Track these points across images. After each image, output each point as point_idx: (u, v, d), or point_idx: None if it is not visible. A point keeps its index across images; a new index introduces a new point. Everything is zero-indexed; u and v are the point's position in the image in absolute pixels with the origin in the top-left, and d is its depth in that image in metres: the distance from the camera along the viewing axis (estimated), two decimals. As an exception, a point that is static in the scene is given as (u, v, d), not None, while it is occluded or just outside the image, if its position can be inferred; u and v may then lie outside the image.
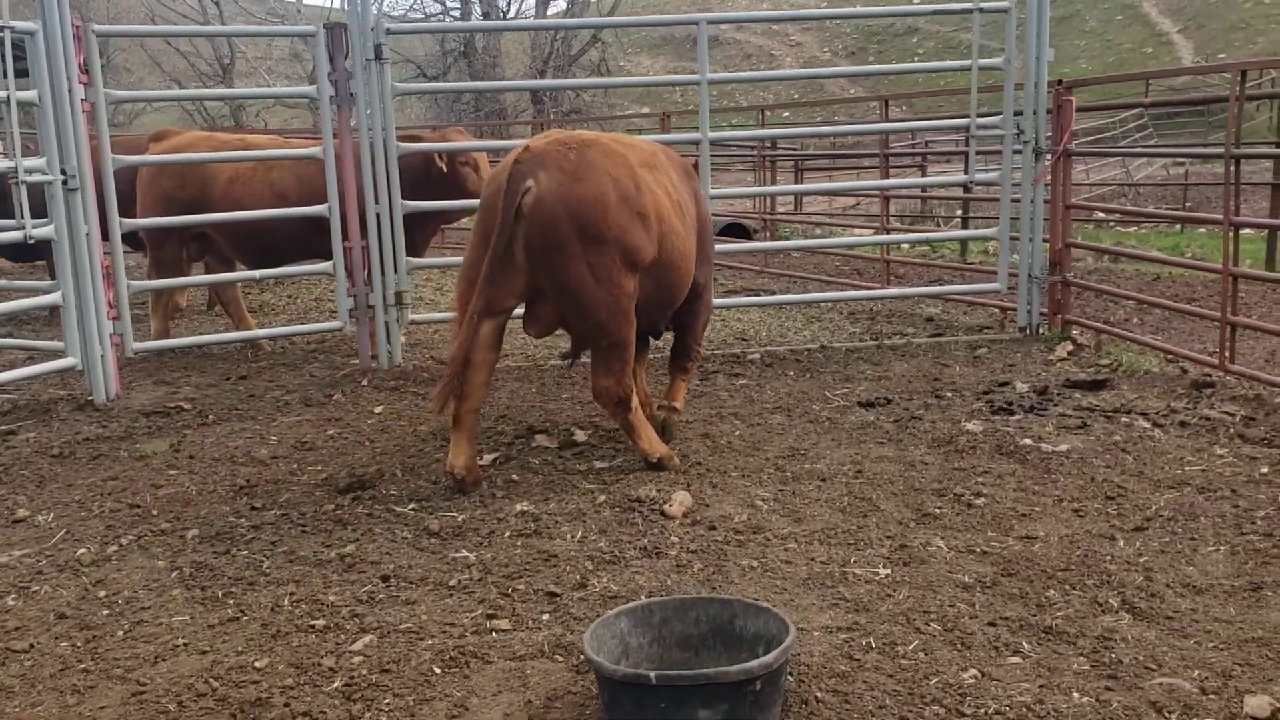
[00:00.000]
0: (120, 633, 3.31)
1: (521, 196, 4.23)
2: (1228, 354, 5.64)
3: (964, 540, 3.76)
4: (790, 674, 2.83)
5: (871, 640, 3.06)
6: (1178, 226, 14.86)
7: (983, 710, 2.68)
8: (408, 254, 6.75)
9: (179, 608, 3.47)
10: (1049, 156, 6.95)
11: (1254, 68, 6.67)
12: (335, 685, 2.94)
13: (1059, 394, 5.61)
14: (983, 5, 6.91)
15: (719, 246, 6.34)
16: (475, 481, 4.45)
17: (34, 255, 9.35)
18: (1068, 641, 3.03)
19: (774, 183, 14.39)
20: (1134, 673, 2.84)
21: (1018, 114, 7.00)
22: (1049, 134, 6.95)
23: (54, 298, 5.94)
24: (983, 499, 4.14)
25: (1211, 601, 3.25)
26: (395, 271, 6.69)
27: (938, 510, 4.05)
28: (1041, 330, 7.11)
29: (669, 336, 5.33)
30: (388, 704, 2.84)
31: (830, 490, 4.30)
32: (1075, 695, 2.74)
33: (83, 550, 3.95)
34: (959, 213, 14.06)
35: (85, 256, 5.89)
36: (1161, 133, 27.16)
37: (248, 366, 7.00)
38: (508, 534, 3.95)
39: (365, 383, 6.38)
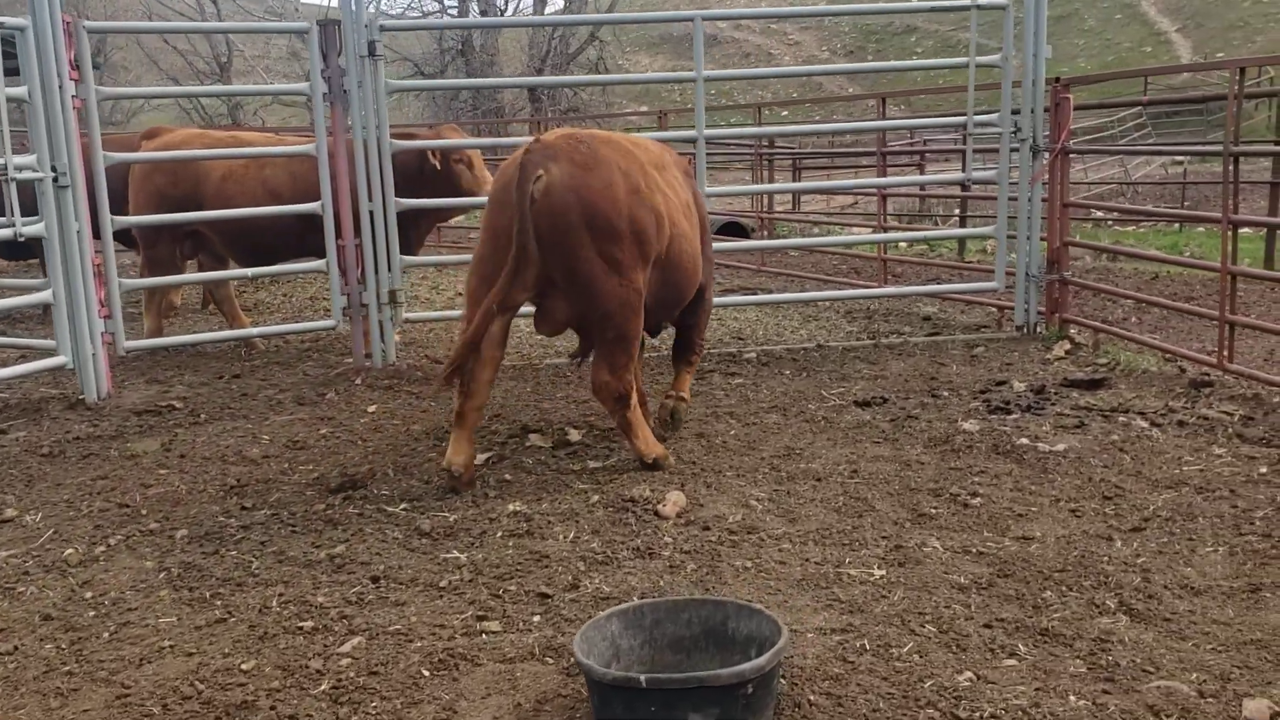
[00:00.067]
0: (106, 634, 3.27)
1: (533, 185, 4.21)
2: (1226, 353, 5.61)
3: (960, 541, 3.73)
4: (783, 676, 2.79)
5: (866, 642, 3.02)
6: (1176, 226, 14.82)
7: (978, 713, 2.65)
8: (402, 252, 6.71)
9: (166, 609, 3.43)
10: (1047, 154, 6.92)
11: (1253, 64, 6.65)
12: (322, 688, 2.90)
13: (1056, 393, 5.57)
14: (980, 2, 6.87)
15: (716, 245, 6.30)
16: (470, 481, 4.42)
17: (28, 253, 9.30)
18: (1064, 643, 2.99)
19: (772, 182, 14.36)
20: (1131, 675, 2.81)
21: (1015, 112, 6.96)
22: (1047, 132, 6.91)
23: (44, 296, 5.90)
24: (979, 499, 4.10)
25: (1210, 603, 3.22)
26: (389, 270, 6.64)
27: (933, 510, 4.01)
28: (1039, 329, 7.07)
29: (664, 336, 5.31)
30: (375, 707, 2.80)
31: (825, 490, 4.27)
32: (1072, 698, 2.70)
33: (70, 550, 3.91)
34: (957, 211, 14.02)
35: (76, 254, 5.85)
36: (1160, 132, 27.13)
37: (241, 365, 6.95)
38: (500, 534, 3.91)
39: (359, 381, 6.34)
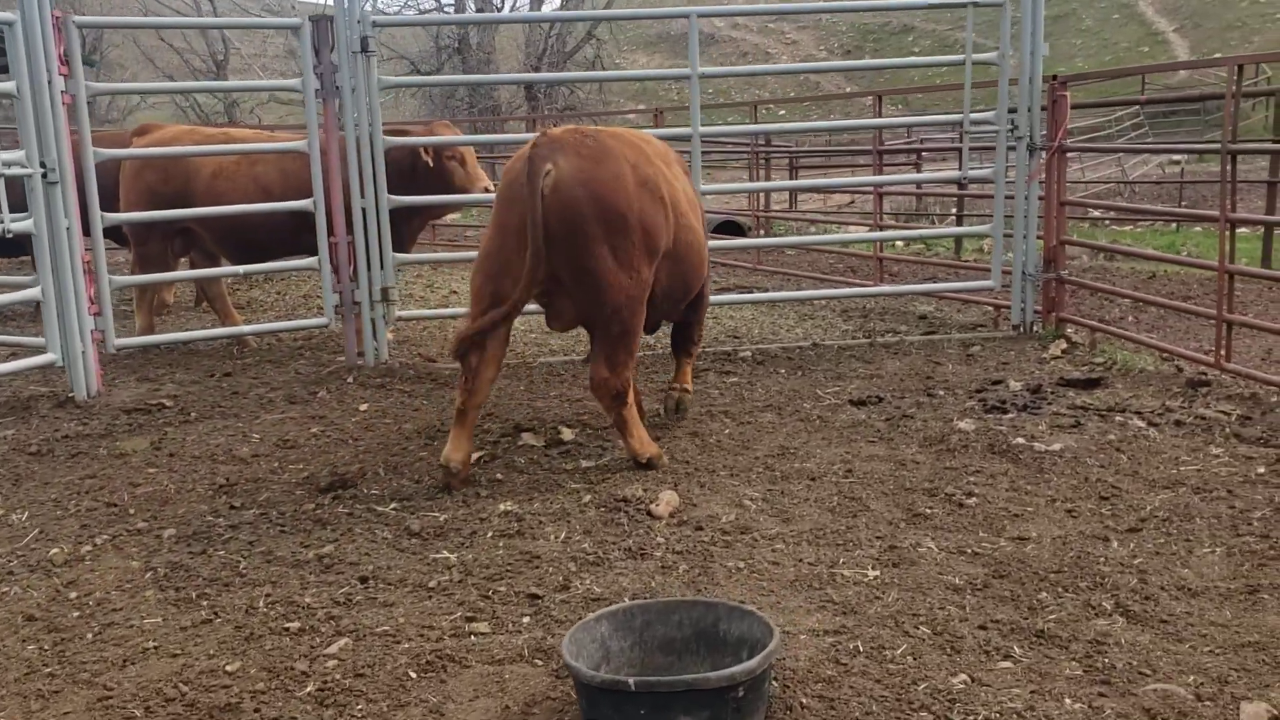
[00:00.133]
0: (90, 635, 3.23)
1: (542, 179, 4.18)
2: (1224, 352, 5.58)
3: (955, 541, 3.69)
4: (775, 679, 2.76)
5: (859, 644, 2.99)
6: (1173, 225, 14.81)
7: (972, 717, 2.61)
8: (395, 249, 6.66)
9: (151, 609, 3.39)
10: (1043, 153, 6.88)
11: (1251, 61, 6.60)
12: (308, 690, 2.86)
13: (1053, 392, 5.54)
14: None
15: (712, 244, 6.27)
16: (465, 479, 4.38)
17: (19, 250, 9.24)
18: (1060, 646, 2.95)
19: (768, 180, 14.31)
20: (1128, 678, 2.77)
21: (1012, 110, 6.93)
22: (1044, 130, 6.88)
23: (33, 292, 5.85)
24: (974, 499, 4.07)
25: (1207, 605, 3.18)
26: (381, 267, 6.59)
27: (928, 510, 3.97)
28: (1035, 328, 7.04)
29: (658, 335, 5.28)
30: (361, 709, 2.76)
31: (820, 490, 4.23)
32: (1067, 701, 2.67)
33: (56, 550, 3.86)
34: (953, 210, 13.99)
35: (65, 251, 5.80)
36: (1157, 131, 27.13)
37: (233, 363, 6.90)
38: (490, 534, 3.87)
39: (350, 380, 6.29)
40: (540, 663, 2.96)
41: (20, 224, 5.65)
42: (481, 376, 4.42)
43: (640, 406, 5.07)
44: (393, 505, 4.22)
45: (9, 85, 5.58)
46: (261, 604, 3.38)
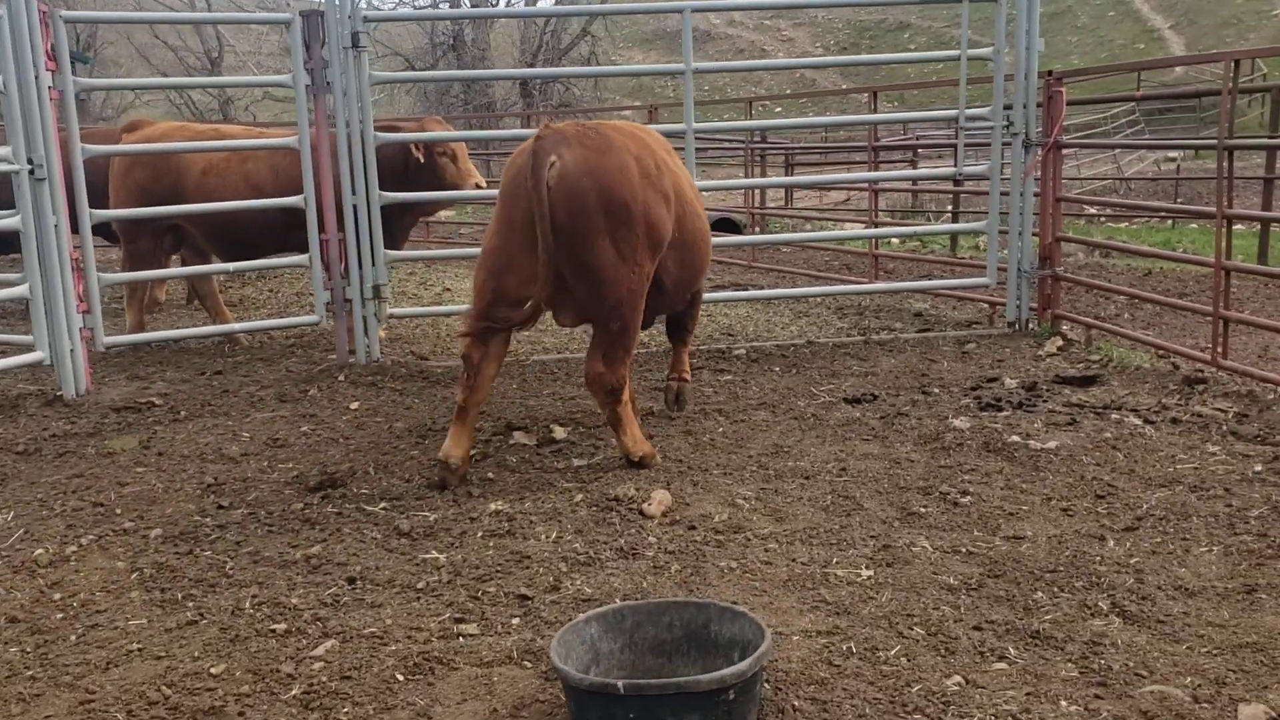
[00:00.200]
0: (73, 637, 3.18)
1: (547, 172, 4.14)
2: (1220, 350, 5.54)
3: (949, 540, 3.65)
4: (766, 681, 2.72)
5: (852, 645, 2.95)
6: (1169, 222, 14.78)
7: (967, 719, 2.57)
8: (386, 246, 6.61)
9: (136, 611, 3.34)
10: (1039, 149, 6.85)
11: (1247, 56, 6.57)
12: (293, 693, 2.82)
13: (1048, 390, 5.50)
14: (972, -5, 6.81)
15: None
16: (463, 476, 4.35)
17: (9, 248, 9.18)
18: (1055, 646, 2.92)
19: (764, 177, 14.27)
20: (1124, 680, 2.73)
21: (1007, 106, 6.89)
22: (1039, 126, 6.84)
23: (21, 290, 5.80)
24: (969, 497, 4.03)
25: (1204, 604, 3.14)
26: (373, 264, 6.54)
27: (923, 509, 3.94)
28: (1031, 325, 7.01)
29: (650, 333, 5.25)
30: (347, 712, 2.72)
31: (813, 489, 4.19)
32: (1063, 704, 2.63)
33: (40, 550, 3.81)
34: (949, 207, 13.96)
35: (53, 248, 5.74)
36: (1152, 129, 27.13)
37: (224, 361, 6.85)
38: (480, 534, 3.83)
39: (342, 378, 6.24)
40: (529, 665, 2.91)
41: (7, 221, 5.60)
42: (483, 373, 4.39)
43: (634, 405, 5.04)
44: (382, 505, 4.17)
45: (-5, 81, 5.53)
46: (248, 605, 3.33)
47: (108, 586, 3.53)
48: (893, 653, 2.90)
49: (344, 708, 2.74)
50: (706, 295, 6.62)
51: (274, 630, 3.16)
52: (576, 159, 4.20)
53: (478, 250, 11.10)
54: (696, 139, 6.89)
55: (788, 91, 39.86)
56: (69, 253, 5.87)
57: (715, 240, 8.49)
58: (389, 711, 2.72)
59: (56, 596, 3.46)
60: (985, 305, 7.70)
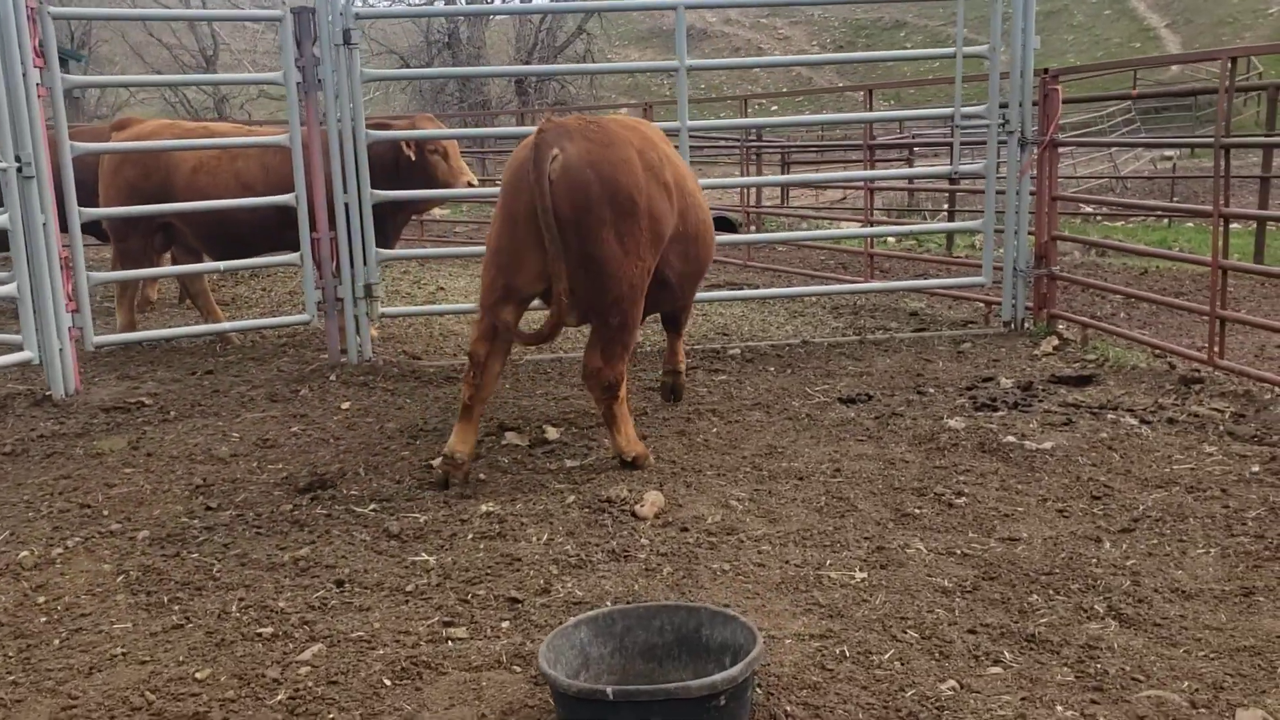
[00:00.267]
0: (56, 641, 3.14)
1: (550, 165, 4.11)
2: (1217, 349, 5.51)
3: (944, 542, 3.62)
4: (758, 686, 2.68)
5: (845, 649, 2.91)
6: (1165, 220, 14.76)
7: (961, 725, 2.54)
8: (378, 245, 6.57)
9: (121, 614, 3.30)
10: (1035, 147, 6.81)
11: (1244, 54, 6.53)
12: (279, 698, 2.78)
13: (1044, 390, 5.47)
14: (968, -8, 6.76)
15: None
16: (467, 473, 4.32)
17: (1, 247, 9.13)
18: (1051, 650, 2.88)
19: (760, 175, 14.23)
20: (1120, 684, 2.70)
21: (1003, 105, 6.86)
22: (1035, 125, 6.81)
23: (9, 289, 5.75)
24: (964, 499, 3.99)
25: (1201, 607, 3.11)
26: (365, 263, 6.50)
27: (917, 510, 3.90)
28: (1027, 325, 6.97)
29: (644, 332, 5.22)
30: (333, 718, 2.68)
31: (807, 490, 4.15)
32: (1059, 709, 2.60)
33: (25, 553, 3.77)
34: (945, 206, 13.93)
35: (41, 247, 5.69)
36: (1148, 128, 27.11)
37: (215, 361, 6.81)
38: (470, 536, 3.79)
39: (333, 378, 6.20)
40: (519, 669, 2.88)
41: (-5, 218, 5.56)
42: (489, 370, 4.37)
43: (629, 405, 5.00)
44: (372, 506, 4.13)
45: (-17, 77, 5.48)
46: (234, 609, 3.29)
47: (93, 589, 3.49)
48: (886, 657, 2.87)
49: (330, 713, 2.70)
50: (702, 294, 6.59)
51: (260, 634, 3.12)
52: (579, 151, 4.17)
53: (472, 249, 11.05)
54: (691, 137, 6.85)
55: (784, 89, 39.83)
56: (58, 251, 5.82)
57: (710, 239, 8.48)
58: (375, 717, 2.68)
59: (41, 600, 3.42)
60: (981, 304, 7.67)
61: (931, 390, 5.54)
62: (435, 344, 7.34)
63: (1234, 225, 10.24)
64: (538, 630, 3.06)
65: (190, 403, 5.78)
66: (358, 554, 3.68)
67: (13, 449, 5.04)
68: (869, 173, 9.81)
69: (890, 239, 11.89)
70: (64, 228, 5.97)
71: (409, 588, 3.39)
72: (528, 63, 27.29)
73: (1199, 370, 5.64)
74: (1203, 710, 2.58)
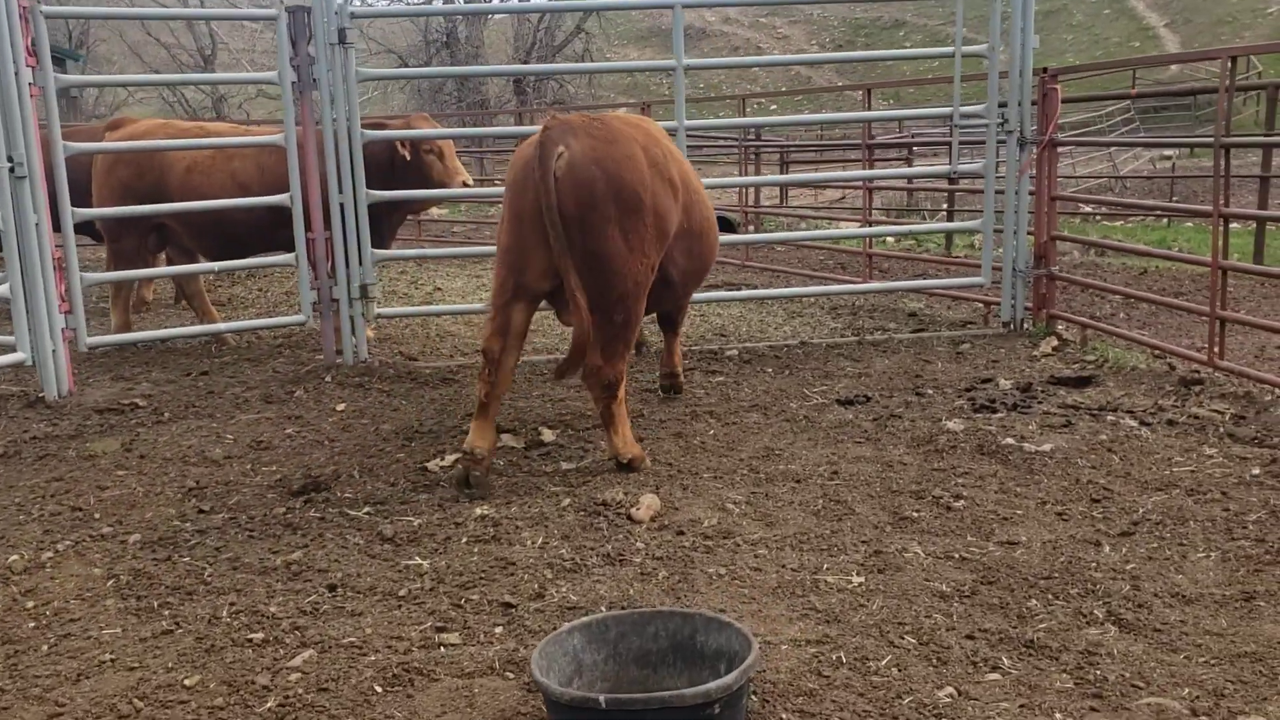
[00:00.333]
0: (45, 647, 3.10)
1: (555, 162, 4.09)
2: (1217, 350, 5.48)
3: (942, 545, 3.58)
4: (754, 693, 2.65)
5: (842, 655, 2.88)
6: (1165, 220, 14.73)
7: (959, 733, 2.51)
8: (374, 245, 6.53)
9: (111, 619, 3.27)
10: (1034, 147, 6.78)
11: (1244, 54, 6.51)
12: (268, 705, 2.74)
13: (1043, 391, 5.43)
14: (967, -9, 6.73)
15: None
16: (488, 469, 4.31)
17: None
18: (1050, 656, 2.85)
19: (758, 175, 14.19)
20: (1120, 691, 2.67)
21: (1002, 104, 6.83)
22: (1034, 124, 6.78)
23: (1, 290, 5.71)
24: (962, 501, 3.96)
25: (1202, 612, 3.07)
26: (360, 264, 6.46)
27: (915, 513, 3.87)
28: (1026, 325, 6.94)
29: (644, 335, 5.19)
30: (323, 726, 2.65)
31: (805, 492, 4.12)
32: (1058, 716, 2.57)
33: (15, 557, 3.73)
34: (945, 206, 13.89)
35: (34, 247, 5.66)
36: (1147, 127, 27.08)
37: (210, 362, 6.77)
38: (464, 540, 3.75)
39: (329, 379, 6.16)
40: (511, 676, 2.84)
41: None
42: (504, 366, 4.36)
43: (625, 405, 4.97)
44: (366, 509, 4.10)
45: (-25, 77, 5.44)
46: (225, 614, 3.26)
47: (83, 594, 3.45)
48: (883, 663, 2.83)
49: (320, 721, 2.66)
50: (699, 295, 6.55)
51: (251, 640, 3.08)
52: (585, 149, 4.16)
53: (470, 249, 11.01)
54: (690, 137, 6.81)
55: (783, 89, 39.78)
56: (50, 252, 5.78)
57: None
58: (366, 725, 2.65)
59: (29, 605, 3.38)
60: (980, 305, 7.64)
61: (930, 392, 5.50)
62: (432, 345, 7.31)
63: (1233, 225, 10.21)
64: (531, 636, 3.03)
65: (184, 404, 5.75)
66: (351, 558, 3.64)
67: (4, 451, 5.01)
68: (868, 172, 9.77)
69: (889, 239, 11.86)
70: (57, 228, 5.94)
71: (402, 592, 3.35)
72: (526, 62, 27.25)
73: (1199, 371, 5.61)
74: (1203, 718, 2.54)
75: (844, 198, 18.60)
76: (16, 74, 5.52)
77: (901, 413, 5.12)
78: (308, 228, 6.37)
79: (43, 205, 5.70)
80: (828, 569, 3.43)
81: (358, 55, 6.51)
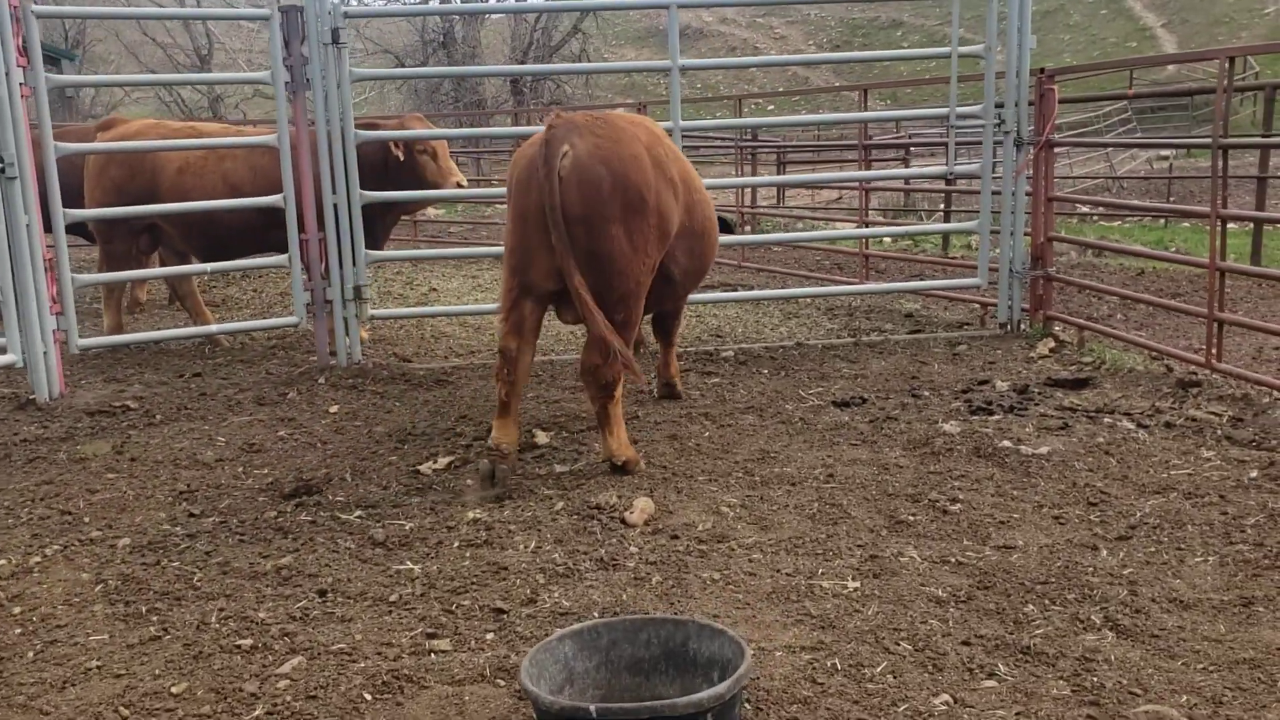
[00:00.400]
0: (30, 654, 3.07)
1: (560, 161, 4.08)
2: (1215, 352, 5.45)
3: (938, 550, 3.55)
4: (747, 701, 2.62)
5: (837, 661, 2.85)
6: (1162, 221, 14.71)
7: (954, 742, 2.48)
8: (368, 247, 6.50)
9: (98, 625, 3.23)
10: (1031, 148, 6.75)
11: (1241, 54, 6.48)
12: (256, 713, 2.71)
13: (1040, 393, 5.41)
14: (963, -9, 6.69)
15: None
16: (514, 464, 4.32)
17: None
18: (1047, 663, 2.82)
19: (755, 176, 14.17)
20: (1117, 698, 2.64)
21: (999, 105, 6.80)
22: (1031, 125, 6.75)
23: (-9, 292, 5.67)
24: (959, 505, 3.93)
25: (1200, 618, 3.05)
26: (354, 265, 6.43)
27: (911, 517, 3.83)
28: (1022, 326, 6.91)
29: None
30: (311, 735, 2.61)
31: (800, 495, 4.09)
32: (1054, 724, 2.54)
33: (3, 561, 3.70)
34: (941, 206, 13.86)
35: (25, 248, 5.62)
36: (1144, 128, 27.09)
37: (203, 363, 6.73)
38: (457, 544, 3.72)
39: (322, 381, 6.12)
40: (502, 683, 2.81)
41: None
42: (521, 363, 4.38)
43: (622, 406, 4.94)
44: (358, 513, 4.06)
45: (-35, 77, 5.40)
46: (214, 619, 3.22)
47: (70, 599, 3.42)
48: (879, 670, 2.80)
49: (308, 729, 2.63)
50: (695, 296, 6.51)
51: (239, 646, 3.05)
52: (589, 147, 4.15)
53: (464, 250, 10.97)
54: (686, 137, 6.78)
55: (779, 89, 39.76)
56: (41, 253, 5.74)
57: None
58: (355, 733, 2.61)
59: (16, 610, 3.35)
60: (977, 306, 7.61)
61: (926, 393, 5.47)
62: (426, 346, 7.27)
63: (1230, 226, 10.18)
64: (522, 642, 3.00)
65: (176, 406, 5.71)
66: (341, 562, 3.61)
67: (-6, 454, 4.97)
68: (865, 173, 9.75)
69: (886, 240, 11.83)
70: (48, 228, 5.90)
71: (392, 598, 3.32)
72: (523, 62, 27.20)
73: (1196, 373, 5.58)
74: (1202, 726, 2.52)
75: (840, 198, 18.58)
76: (7, 74, 5.48)
77: (898, 415, 5.09)
78: (301, 229, 6.34)
79: (33, 205, 5.66)
80: (823, 574, 3.40)
81: (353, 55, 6.48)
